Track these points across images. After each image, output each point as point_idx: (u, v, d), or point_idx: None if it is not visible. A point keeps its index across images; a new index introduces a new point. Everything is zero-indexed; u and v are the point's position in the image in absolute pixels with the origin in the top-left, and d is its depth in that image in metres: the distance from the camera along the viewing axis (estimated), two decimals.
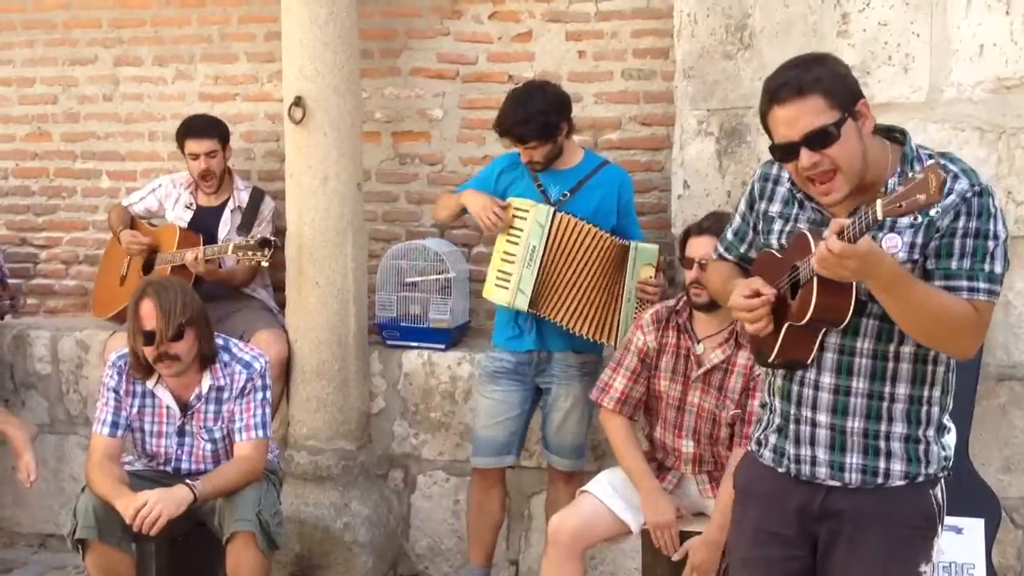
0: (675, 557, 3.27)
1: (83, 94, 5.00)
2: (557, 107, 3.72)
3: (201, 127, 4.43)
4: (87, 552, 3.35)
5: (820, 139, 2.13)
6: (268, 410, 3.57)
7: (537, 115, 3.67)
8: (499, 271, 3.75)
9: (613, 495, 3.35)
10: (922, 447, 2.29)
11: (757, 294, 2.27)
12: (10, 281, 4.79)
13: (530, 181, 3.83)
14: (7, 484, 4.67)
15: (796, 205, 2.35)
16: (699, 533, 3.27)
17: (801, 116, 2.14)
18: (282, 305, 4.39)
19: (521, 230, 3.71)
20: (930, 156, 2.23)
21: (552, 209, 3.69)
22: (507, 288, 3.71)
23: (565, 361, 3.81)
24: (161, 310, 3.33)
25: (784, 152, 2.20)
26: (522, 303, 3.69)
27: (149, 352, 3.38)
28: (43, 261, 5.11)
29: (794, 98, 2.15)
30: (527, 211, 3.70)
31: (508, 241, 3.73)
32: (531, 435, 4.00)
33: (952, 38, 3.68)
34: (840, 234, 2.03)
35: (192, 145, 4.40)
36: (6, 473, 4.61)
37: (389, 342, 4.39)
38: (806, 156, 2.15)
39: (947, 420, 2.34)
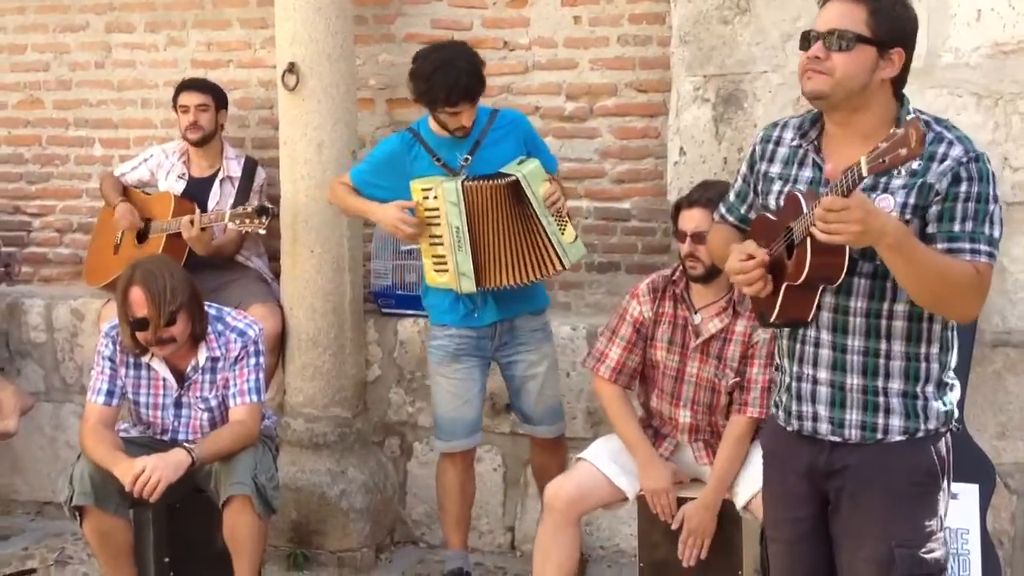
0: (674, 525, 3.28)
1: (75, 61, 4.96)
2: (477, 68, 3.58)
3: (194, 83, 4.43)
4: (84, 519, 3.37)
5: (835, 40, 2.21)
6: (262, 375, 3.58)
7: (464, 76, 3.48)
8: (433, 256, 3.61)
9: (609, 462, 3.36)
10: (920, 403, 2.32)
11: (751, 257, 2.30)
12: (4, 249, 4.77)
13: (427, 157, 3.66)
14: (3, 452, 4.68)
15: (796, 165, 2.38)
16: (695, 499, 3.29)
17: (837, 16, 2.24)
18: (277, 274, 4.38)
19: (436, 209, 3.53)
20: (926, 121, 2.26)
21: (458, 182, 3.51)
22: (447, 272, 3.57)
23: (529, 326, 3.72)
24: (151, 298, 3.33)
25: (803, 38, 2.29)
26: (468, 286, 3.55)
27: (142, 337, 3.38)
28: (37, 229, 5.10)
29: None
30: (430, 189, 3.54)
31: (429, 223, 3.57)
32: None
33: (950, 3, 3.65)
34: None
35: (184, 98, 4.38)
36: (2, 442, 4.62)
37: (385, 310, 4.39)
38: (816, 47, 2.24)
39: (949, 377, 2.37)
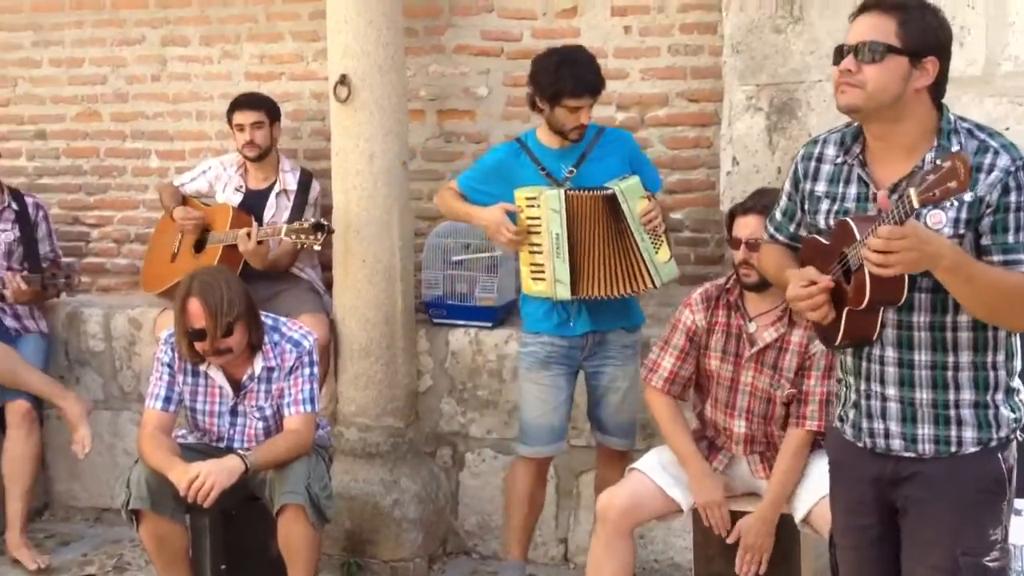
0: (729, 539, 3.25)
1: (131, 74, 5.04)
2: (598, 65, 3.67)
3: (247, 100, 4.48)
4: (141, 523, 3.42)
5: (866, 52, 2.22)
6: (316, 385, 3.62)
7: (595, 65, 3.63)
8: (532, 264, 3.66)
9: (662, 472, 3.34)
10: (991, 411, 2.31)
11: (812, 283, 2.31)
12: (63, 260, 4.86)
13: (533, 166, 3.71)
14: (63, 459, 4.76)
15: (841, 183, 2.38)
16: (751, 513, 3.26)
17: (867, 28, 2.25)
18: (329, 284, 4.42)
19: (538, 218, 3.60)
20: (968, 130, 2.28)
21: (561, 191, 3.57)
22: (544, 280, 3.62)
23: (620, 341, 3.76)
24: (208, 309, 3.36)
25: (835, 52, 2.30)
26: (563, 293, 3.60)
27: (200, 347, 3.42)
28: (95, 240, 5.18)
29: (874, 11, 2.26)
30: (535, 198, 3.60)
31: (530, 231, 3.64)
32: (578, 413, 3.99)
33: (1008, 11, 3.60)
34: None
35: (239, 116, 4.44)
36: (62, 448, 4.69)
37: (436, 320, 4.41)
38: (847, 61, 2.25)
39: (1016, 383, 2.37)
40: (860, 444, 2.41)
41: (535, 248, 3.64)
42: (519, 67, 4.49)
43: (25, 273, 4.39)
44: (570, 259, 3.58)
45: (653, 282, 3.64)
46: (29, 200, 4.64)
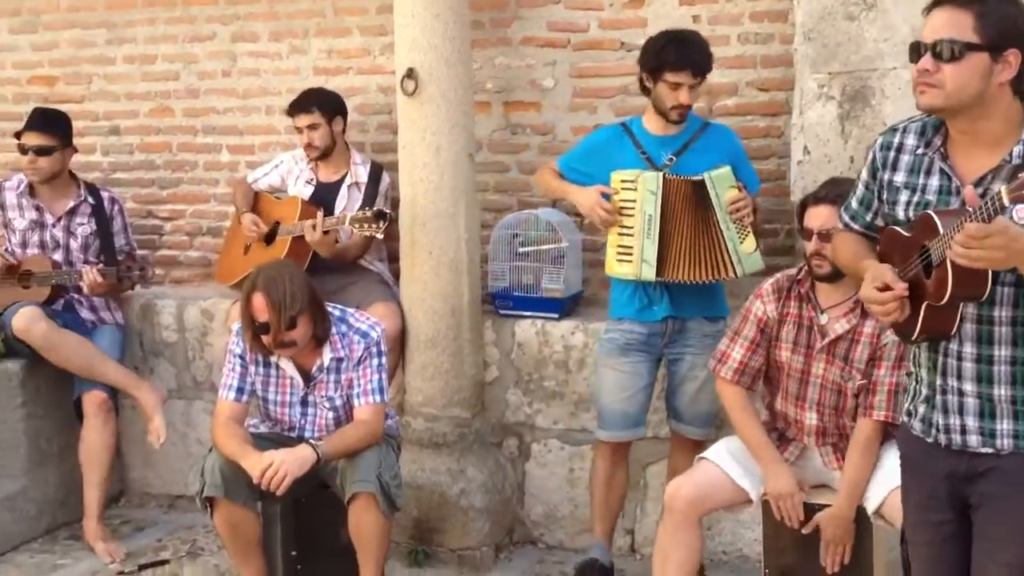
0: (805, 530, 3.22)
1: (203, 70, 5.12)
2: (710, 51, 3.73)
3: (300, 103, 4.50)
4: (215, 510, 3.48)
5: (944, 50, 2.17)
6: (384, 376, 3.65)
7: (703, 45, 3.68)
8: (619, 246, 3.72)
9: (732, 462, 3.31)
10: None
11: (887, 287, 2.26)
12: (138, 252, 4.96)
13: (634, 150, 3.78)
14: (138, 447, 4.86)
15: (922, 174, 2.33)
16: (824, 506, 3.23)
17: (943, 24, 2.19)
18: (397, 276, 4.45)
19: (633, 201, 3.67)
20: None
21: (661, 174, 3.65)
22: (631, 261, 3.68)
23: (701, 330, 3.77)
24: (272, 303, 3.41)
25: (912, 50, 2.25)
26: (649, 273, 3.65)
27: (265, 340, 3.48)
28: (168, 233, 5.28)
29: (950, 5, 2.20)
30: (634, 180, 3.66)
31: (622, 213, 3.70)
32: None
33: None
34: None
35: (295, 120, 4.50)
36: (137, 436, 4.80)
37: (502, 312, 4.42)
38: (924, 60, 2.20)
39: None
40: (930, 440, 2.36)
41: (625, 230, 3.69)
42: (585, 58, 4.50)
43: (101, 266, 4.48)
44: (659, 240, 3.63)
45: (735, 271, 3.67)
46: (105, 195, 4.74)
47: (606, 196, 3.72)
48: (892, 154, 2.39)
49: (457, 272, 4.18)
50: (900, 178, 2.36)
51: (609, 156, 3.80)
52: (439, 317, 4.19)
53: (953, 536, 2.38)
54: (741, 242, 3.67)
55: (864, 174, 2.48)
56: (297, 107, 4.50)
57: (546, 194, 4.24)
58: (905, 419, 2.47)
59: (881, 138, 2.44)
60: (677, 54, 3.63)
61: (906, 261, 2.28)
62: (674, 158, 3.73)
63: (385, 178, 4.56)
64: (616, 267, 3.74)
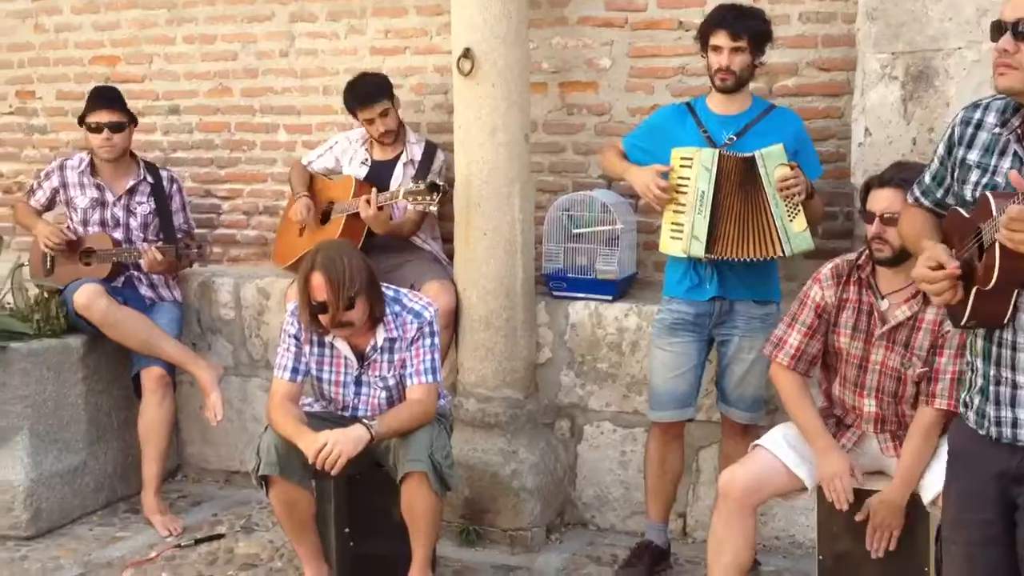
0: (858, 517, 3.18)
1: (261, 50, 5.14)
2: (769, 24, 3.74)
3: (367, 94, 4.47)
4: (270, 488, 3.51)
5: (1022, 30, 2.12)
6: (437, 356, 3.65)
7: (759, 14, 3.69)
8: (672, 223, 3.72)
9: (787, 449, 3.27)
10: None
11: (940, 266, 2.20)
12: (196, 231, 5.01)
13: (696, 129, 3.77)
14: (195, 423, 4.94)
15: (996, 154, 2.26)
16: (879, 492, 3.18)
17: None
18: (451, 257, 4.46)
19: (688, 178, 3.66)
20: None
21: (716, 151, 3.63)
22: (681, 238, 3.68)
23: (748, 312, 3.75)
24: (331, 283, 3.42)
25: (993, 28, 2.20)
26: (697, 249, 3.65)
27: (323, 319, 3.49)
28: (225, 212, 5.33)
29: None
30: (691, 158, 3.65)
31: (677, 191, 3.69)
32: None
33: None
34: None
35: (365, 113, 4.46)
36: (194, 412, 4.88)
37: (556, 293, 4.41)
38: (1004, 40, 2.14)
39: None
40: (983, 432, 2.30)
41: (679, 208, 3.70)
42: (642, 38, 4.46)
43: (160, 244, 4.55)
44: (711, 217, 3.62)
45: (783, 249, 3.63)
46: (164, 174, 4.80)
47: (664, 175, 3.71)
48: (970, 130, 2.32)
49: (511, 253, 4.18)
50: (974, 156, 2.30)
51: (671, 134, 3.80)
52: (493, 298, 4.19)
53: (994, 540, 2.30)
54: (791, 220, 3.62)
55: (941, 148, 2.42)
56: (363, 101, 4.45)
57: (607, 173, 4.26)
58: (962, 410, 2.41)
59: (962, 113, 2.38)
60: (714, 16, 3.71)
61: (963, 243, 2.22)
62: (734, 138, 3.71)
63: (440, 155, 4.56)
64: (669, 244, 3.74)
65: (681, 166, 3.68)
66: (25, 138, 5.64)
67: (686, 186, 3.66)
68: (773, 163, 3.60)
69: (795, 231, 3.63)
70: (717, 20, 3.70)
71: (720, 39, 3.66)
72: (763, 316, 3.74)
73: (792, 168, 3.61)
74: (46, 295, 4.58)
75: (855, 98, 3.94)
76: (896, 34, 3.76)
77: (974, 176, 2.28)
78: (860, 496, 3.19)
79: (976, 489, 2.33)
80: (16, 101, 5.63)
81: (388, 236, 4.39)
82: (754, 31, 3.67)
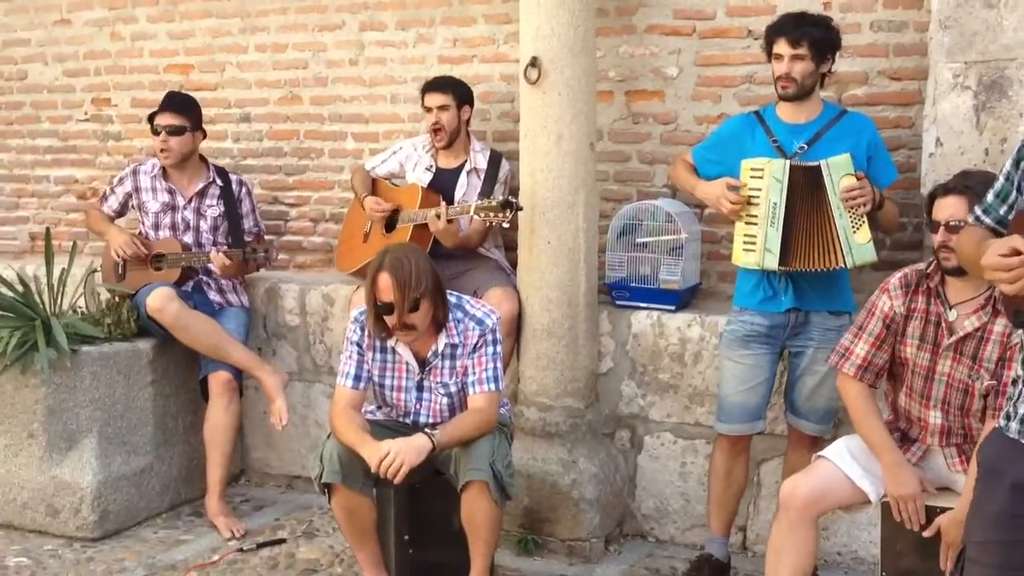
0: (927, 533, 3.11)
1: (331, 59, 5.20)
2: (836, 33, 3.68)
3: (438, 83, 4.55)
4: (332, 495, 3.53)
5: None
6: (500, 364, 3.65)
7: (822, 22, 3.64)
8: (745, 235, 3.69)
9: (852, 462, 3.22)
10: None
11: (1016, 252, 2.11)
12: (265, 236, 5.08)
13: (765, 138, 3.73)
14: (259, 427, 5.00)
15: None
16: (945, 509, 3.10)
17: None
18: (514, 264, 4.46)
19: (759, 190, 3.62)
20: None
21: (787, 163, 3.59)
22: (754, 250, 3.64)
23: (823, 324, 3.71)
24: (398, 284, 3.44)
25: None
26: (771, 262, 3.61)
27: (389, 321, 3.51)
28: (293, 219, 5.39)
29: None
30: (762, 169, 3.61)
31: (750, 203, 3.66)
32: None
33: None
34: None
35: (428, 99, 4.52)
36: (259, 417, 4.94)
37: (618, 302, 4.38)
38: None
39: None
40: None
41: (751, 219, 3.66)
42: (710, 46, 4.42)
43: (227, 248, 4.61)
44: (784, 229, 3.59)
45: (845, 260, 3.58)
46: (233, 177, 4.87)
47: (735, 188, 3.68)
48: None
49: (575, 262, 4.17)
50: None
51: (741, 144, 3.77)
52: (555, 307, 4.18)
53: None
54: (855, 231, 3.57)
55: (1008, 164, 2.35)
56: (431, 86, 4.54)
57: (677, 186, 4.24)
58: (1001, 423, 2.29)
59: None
60: (777, 23, 3.69)
61: None
62: (805, 146, 3.67)
63: (505, 165, 4.57)
64: (742, 256, 3.71)
65: (752, 177, 3.65)
66: (100, 145, 5.78)
67: (758, 198, 3.63)
68: (839, 172, 3.55)
69: (858, 242, 3.58)
70: (778, 27, 3.67)
71: (781, 47, 3.64)
72: (838, 328, 3.67)
73: (859, 178, 3.56)
74: (117, 299, 4.67)
75: (926, 108, 3.86)
76: (969, 43, 3.68)
77: None
78: (927, 512, 3.12)
79: (1013, 508, 2.21)
80: (92, 108, 5.77)
81: (455, 248, 4.41)
82: (814, 38, 3.61)
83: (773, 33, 3.68)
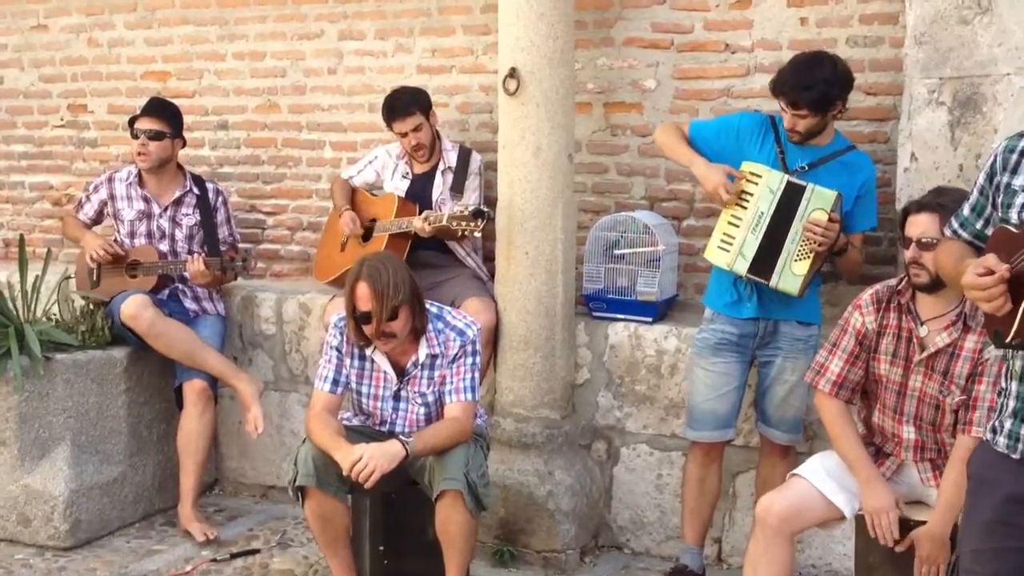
0: (899, 548, 3.13)
1: (309, 67, 5.20)
2: (840, 83, 3.63)
3: (401, 106, 4.51)
4: (306, 499, 3.52)
5: None
6: (477, 375, 3.66)
7: (820, 83, 3.58)
8: (724, 234, 3.70)
9: (826, 478, 3.23)
10: None
11: (990, 272, 2.15)
12: (241, 245, 5.06)
13: (772, 146, 3.75)
14: (234, 437, 4.97)
15: None
16: (919, 523, 3.13)
17: None
18: (492, 274, 4.46)
19: (751, 195, 3.65)
20: None
21: (785, 176, 3.61)
22: (729, 251, 3.66)
23: (792, 334, 3.73)
24: (375, 293, 3.44)
25: None
26: (741, 267, 3.64)
27: (367, 330, 3.50)
28: (270, 227, 5.37)
29: None
30: (760, 176, 3.64)
31: (738, 204, 3.68)
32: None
33: None
34: None
35: (398, 126, 4.51)
36: (233, 426, 4.92)
37: (596, 314, 4.39)
38: None
39: None
40: (1016, 456, 2.23)
41: (734, 220, 3.67)
42: (688, 59, 4.45)
43: (204, 256, 4.59)
44: (762, 239, 3.61)
45: (770, 279, 3.63)
46: (210, 186, 4.85)
47: (731, 177, 3.69)
48: (1015, 157, 2.30)
49: (552, 273, 4.17)
50: (1019, 181, 2.27)
51: (747, 141, 3.79)
52: (533, 317, 4.18)
53: (1021, 569, 2.23)
54: (796, 260, 3.59)
55: (981, 179, 2.39)
56: (396, 113, 4.51)
57: (664, 150, 4.04)
58: (989, 436, 2.34)
59: (1006, 142, 2.35)
60: (778, 80, 3.66)
61: (1011, 258, 2.16)
62: (806, 167, 3.69)
63: (476, 157, 4.60)
64: (715, 253, 3.73)
65: (748, 181, 3.67)
66: (76, 151, 5.75)
67: (747, 201, 3.65)
68: (817, 204, 3.56)
69: (791, 271, 3.60)
70: (778, 87, 3.65)
71: (783, 103, 3.65)
72: (806, 338, 3.72)
73: (832, 220, 3.56)
74: (92, 307, 4.64)
75: (902, 123, 3.89)
76: (944, 59, 3.72)
77: (1019, 199, 2.25)
78: (900, 526, 3.14)
79: (1003, 517, 2.26)
80: (68, 114, 5.74)
81: (439, 235, 4.38)
82: (811, 101, 3.59)
83: (774, 89, 3.68)
